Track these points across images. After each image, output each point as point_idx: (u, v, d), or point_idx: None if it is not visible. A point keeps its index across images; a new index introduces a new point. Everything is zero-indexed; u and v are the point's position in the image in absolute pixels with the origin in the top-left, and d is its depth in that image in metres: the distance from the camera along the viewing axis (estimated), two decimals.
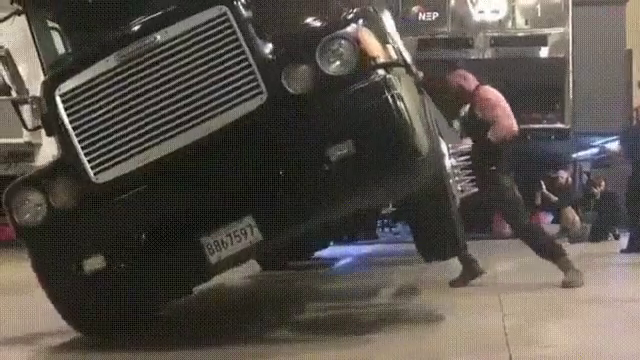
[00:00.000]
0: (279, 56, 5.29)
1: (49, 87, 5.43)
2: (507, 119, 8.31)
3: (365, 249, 15.44)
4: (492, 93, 8.45)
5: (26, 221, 5.48)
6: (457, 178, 7.55)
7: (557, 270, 8.06)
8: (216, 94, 5.17)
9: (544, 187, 15.87)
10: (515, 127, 8.33)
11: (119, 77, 5.24)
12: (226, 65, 5.19)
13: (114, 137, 5.25)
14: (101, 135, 5.26)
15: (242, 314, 7.35)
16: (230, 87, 5.17)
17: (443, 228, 6.59)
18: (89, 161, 5.27)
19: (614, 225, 15.55)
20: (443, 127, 7.58)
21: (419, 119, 5.47)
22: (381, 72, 5.27)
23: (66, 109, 5.32)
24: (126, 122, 5.23)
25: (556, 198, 15.65)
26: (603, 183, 16.81)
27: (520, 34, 16.15)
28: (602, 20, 16.26)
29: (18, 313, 7.55)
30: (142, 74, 5.22)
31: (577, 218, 15.46)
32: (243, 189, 5.20)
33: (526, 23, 16.15)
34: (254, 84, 5.17)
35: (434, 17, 16.11)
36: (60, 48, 6.32)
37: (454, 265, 8.42)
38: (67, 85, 5.34)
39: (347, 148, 5.08)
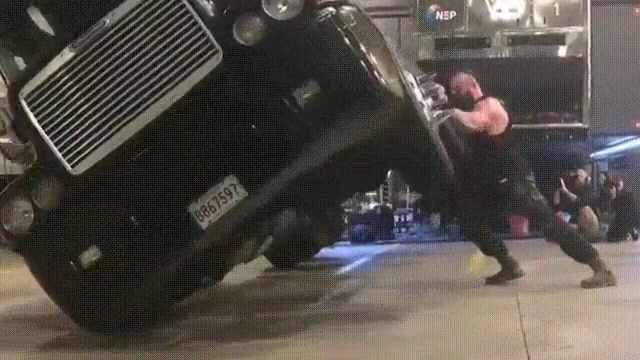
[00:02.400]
0: (227, 12, 5.33)
1: (13, 93, 5.50)
2: (490, 119, 8.18)
3: (382, 249, 15.43)
4: (495, 104, 8.35)
5: (16, 229, 5.49)
6: (429, 105, 7.59)
7: (576, 270, 8.01)
8: (173, 63, 5.22)
9: (564, 186, 15.78)
10: (484, 124, 8.14)
11: (77, 68, 5.31)
12: (177, 33, 5.24)
13: (84, 127, 5.30)
14: (71, 128, 5.31)
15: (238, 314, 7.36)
16: (185, 53, 5.22)
17: (427, 152, 6.74)
18: (64, 155, 5.31)
19: (632, 225, 15.46)
20: (409, 66, 7.59)
21: (378, 51, 5.49)
22: (330, 9, 5.32)
23: (32, 110, 5.38)
24: (92, 110, 5.28)
25: (575, 196, 15.57)
26: (621, 183, 16.71)
27: (538, 33, 16.10)
28: (621, 19, 16.17)
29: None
30: (98, 60, 5.28)
31: (595, 218, 15.37)
32: (219, 150, 5.25)
33: (544, 22, 16.11)
34: (208, 45, 5.21)
35: (451, 16, 16.09)
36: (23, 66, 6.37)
37: (465, 264, 8.41)
38: (29, 87, 5.40)
39: (311, 88, 5.11)
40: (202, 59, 5.20)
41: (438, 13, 16.15)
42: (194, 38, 5.21)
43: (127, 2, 5.29)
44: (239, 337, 5.93)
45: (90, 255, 5.32)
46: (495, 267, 8.48)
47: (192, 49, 5.21)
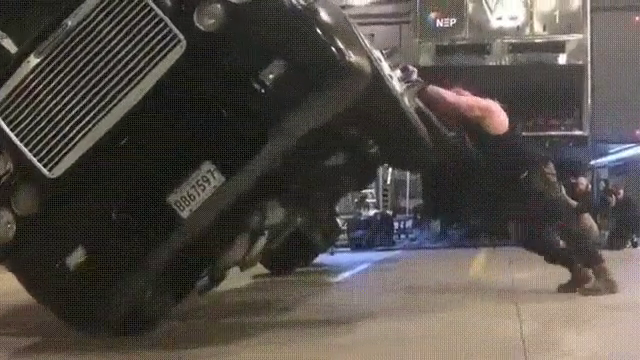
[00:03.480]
0: (186, 1, 5.35)
1: None
2: (474, 104, 8.06)
3: (382, 255, 15.43)
4: (488, 101, 8.18)
5: (1, 239, 5.49)
6: (398, 77, 7.63)
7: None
8: (138, 57, 5.24)
9: (564, 192, 15.79)
10: (466, 106, 8.02)
11: (44, 73, 5.33)
12: (139, 27, 5.26)
13: (56, 130, 5.31)
14: (44, 132, 5.32)
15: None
16: (149, 45, 5.24)
17: (401, 122, 6.82)
18: (40, 160, 5.32)
19: (632, 232, 15.47)
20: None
21: (341, 26, 5.53)
22: None
23: (4, 118, 5.39)
24: (63, 112, 5.30)
25: (575, 203, 15.58)
26: (621, 191, 16.74)
27: (538, 40, 16.16)
28: (621, 26, 16.21)
29: None
30: (65, 62, 5.31)
31: (595, 225, 15.38)
32: (193, 138, 5.26)
33: (544, 29, 16.16)
34: (171, 35, 5.22)
35: (452, 23, 16.15)
36: None
37: (465, 270, 8.40)
38: None
39: (278, 68, 5.12)
40: (166, 50, 5.22)
41: (439, 20, 16.21)
42: (156, 30, 5.23)
43: (87, 2, 5.32)
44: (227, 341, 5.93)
45: (77, 257, 5.33)
46: (494, 271, 8.46)
47: (155, 41, 5.23)
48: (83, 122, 5.25)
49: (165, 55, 5.21)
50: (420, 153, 7.64)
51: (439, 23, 16.18)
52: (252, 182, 5.62)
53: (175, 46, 5.21)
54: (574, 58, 15.93)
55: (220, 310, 7.86)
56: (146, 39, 5.23)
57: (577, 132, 15.99)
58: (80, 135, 5.26)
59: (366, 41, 6.33)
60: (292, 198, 6.97)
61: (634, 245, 15.25)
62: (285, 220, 7.17)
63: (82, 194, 5.34)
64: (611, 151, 18.57)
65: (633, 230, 15.49)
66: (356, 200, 20.57)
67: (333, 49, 5.21)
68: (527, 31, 16.12)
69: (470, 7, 16.05)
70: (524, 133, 15.46)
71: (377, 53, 6.97)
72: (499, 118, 8.09)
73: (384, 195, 21.87)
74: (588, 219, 15.27)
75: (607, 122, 16.00)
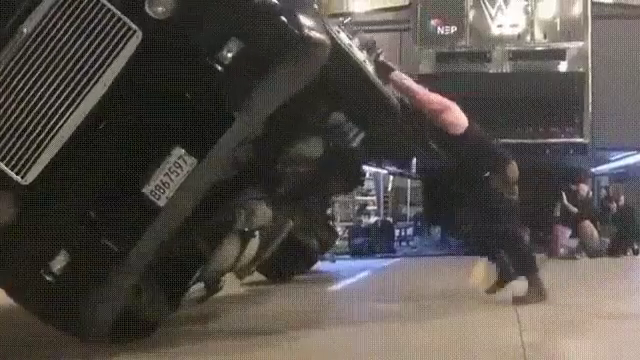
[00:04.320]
0: None
1: None
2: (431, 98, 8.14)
3: (382, 262, 15.41)
4: (449, 101, 8.22)
5: None
6: (358, 45, 7.65)
7: (576, 285, 8.01)
8: (97, 52, 5.27)
9: (565, 198, 15.81)
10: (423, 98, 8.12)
11: (6, 81, 5.34)
12: (93, 24, 5.28)
13: (24, 136, 5.31)
14: (12, 140, 5.32)
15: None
16: (106, 40, 5.26)
17: (370, 91, 6.98)
18: (11, 168, 5.30)
19: (633, 240, 15.47)
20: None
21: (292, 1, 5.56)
22: None
23: None
24: (30, 117, 5.30)
25: (576, 209, 15.60)
26: (622, 198, 16.74)
27: (539, 48, 16.15)
28: (622, 34, 16.21)
29: None
30: (25, 69, 5.32)
31: (595, 232, 15.39)
32: (160, 126, 5.29)
33: (545, 37, 16.15)
34: (125, 27, 5.26)
35: (452, 31, 16.14)
36: None
37: (465, 278, 8.39)
38: None
39: (235, 46, 5.16)
40: (123, 42, 5.25)
41: (439, 27, 16.20)
42: (111, 24, 5.26)
43: (40, 7, 5.34)
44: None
45: (60, 260, 5.31)
46: (494, 279, 8.46)
47: (111, 35, 5.25)
48: (50, 125, 5.27)
49: (122, 48, 5.25)
50: (385, 113, 7.67)
51: (440, 30, 16.17)
52: (225, 165, 5.64)
53: (131, 37, 5.24)
54: (575, 65, 15.93)
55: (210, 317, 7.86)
56: (102, 35, 5.25)
57: (578, 139, 15.97)
58: (48, 138, 5.27)
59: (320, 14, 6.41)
60: (278, 198, 7.00)
61: (635, 252, 15.24)
62: (276, 222, 7.18)
63: (58, 197, 5.34)
64: (612, 158, 18.56)
65: (634, 237, 15.48)
66: (357, 207, 20.61)
67: (285, 20, 5.24)
68: (528, 38, 16.12)
69: (471, 14, 16.06)
70: (526, 140, 15.65)
71: (334, 26, 7.03)
72: (454, 114, 8.11)
73: (385, 202, 21.87)
74: (589, 226, 15.28)
75: (608, 129, 15.98)
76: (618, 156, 18.03)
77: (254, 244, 6.90)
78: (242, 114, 5.32)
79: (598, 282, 8.07)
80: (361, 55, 7.48)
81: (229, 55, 5.16)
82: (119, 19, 5.26)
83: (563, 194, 15.86)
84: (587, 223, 15.28)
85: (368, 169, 20.35)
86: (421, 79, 12.80)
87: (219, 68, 5.18)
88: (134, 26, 5.25)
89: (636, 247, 15.31)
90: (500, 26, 16.12)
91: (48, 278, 5.33)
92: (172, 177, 5.26)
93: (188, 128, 5.29)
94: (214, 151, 5.36)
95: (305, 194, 7.71)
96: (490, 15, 16.09)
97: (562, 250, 15.12)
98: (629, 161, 18.36)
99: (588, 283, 7.92)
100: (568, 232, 15.64)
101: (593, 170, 19.35)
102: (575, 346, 6.06)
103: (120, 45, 5.26)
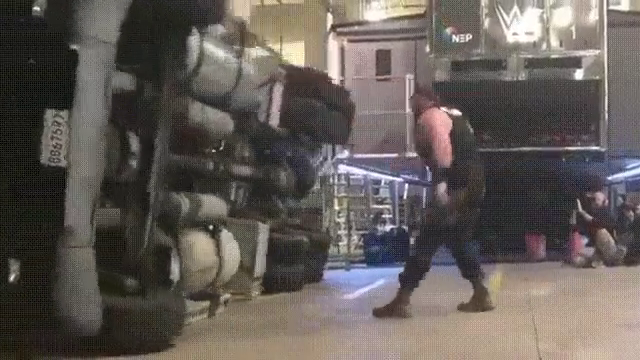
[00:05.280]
0: None
1: None
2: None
3: (398, 270, 15.36)
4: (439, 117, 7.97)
5: None
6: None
7: (591, 293, 7.98)
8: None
9: (580, 206, 15.74)
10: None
11: None
12: None
13: None
14: None
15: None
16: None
17: None
18: None
19: None
20: None
21: None
22: None
23: None
24: None
25: (591, 217, 15.52)
26: (639, 206, 16.64)
27: (554, 56, 16.13)
28: (638, 41, 16.17)
29: None
30: None
31: (612, 241, 15.30)
32: (19, 96, 5.44)
33: (560, 45, 16.14)
34: None
35: (467, 39, 16.13)
36: None
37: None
38: None
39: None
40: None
41: (454, 36, 16.21)
42: None
43: None
44: None
45: (13, 269, 5.31)
46: (510, 286, 8.44)
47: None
48: None
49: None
50: None
51: (455, 38, 16.17)
52: (101, 113, 5.58)
53: None
54: (591, 73, 15.89)
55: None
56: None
57: (594, 147, 15.93)
58: None
59: None
60: (211, 186, 7.20)
61: None
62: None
63: None
64: (628, 167, 18.47)
65: None
66: (372, 216, 20.60)
67: None
68: (543, 46, 16.10)
69: (486, 22, 16.05)
70: (542, 148, 15.62)
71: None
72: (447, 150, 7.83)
73: (400, 211, 21.86)
74: (605, 234, 15.20)
75: (624, 137, 15.93)
76: (635, 164, 17.94)
77: (232, 246, 6.92)
78: (84, 46, 5.40)
79: (615, 291, 8.02)
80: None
81: (43, 7, 5.35)
82: None
83: (578, 202, 15.81)
84: (604, 231, 15.19)
85: (384, 177, 20.37)
86: (436, 87, 12.85)
87: (33, 21, 5.35)
88: None
89: None
90: (515, 34, 16.11)
91: (12, 289, 5.32)
92: (59, 136, 5.33)
93: (47, 85, 5.38)
94: (79, 94, 5.41)
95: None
96: (505, 23, 16.08)
97: (579, 258, 15.05)
98: None
99: (605, 292, 7.87)
100: (584, 241, 15.57)
101: (609, 178, 19.26)
102: (592, 355, 6.03)
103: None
